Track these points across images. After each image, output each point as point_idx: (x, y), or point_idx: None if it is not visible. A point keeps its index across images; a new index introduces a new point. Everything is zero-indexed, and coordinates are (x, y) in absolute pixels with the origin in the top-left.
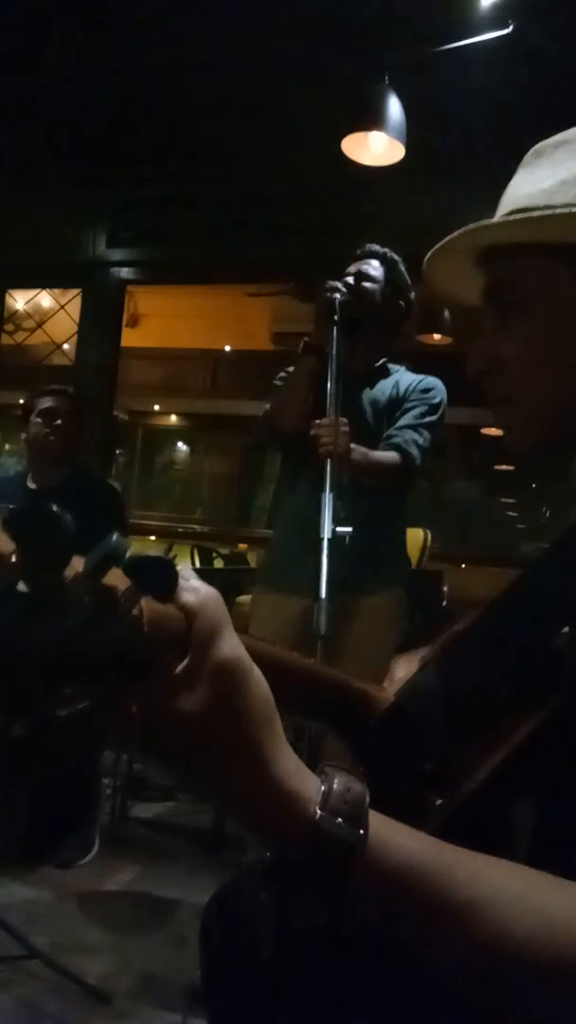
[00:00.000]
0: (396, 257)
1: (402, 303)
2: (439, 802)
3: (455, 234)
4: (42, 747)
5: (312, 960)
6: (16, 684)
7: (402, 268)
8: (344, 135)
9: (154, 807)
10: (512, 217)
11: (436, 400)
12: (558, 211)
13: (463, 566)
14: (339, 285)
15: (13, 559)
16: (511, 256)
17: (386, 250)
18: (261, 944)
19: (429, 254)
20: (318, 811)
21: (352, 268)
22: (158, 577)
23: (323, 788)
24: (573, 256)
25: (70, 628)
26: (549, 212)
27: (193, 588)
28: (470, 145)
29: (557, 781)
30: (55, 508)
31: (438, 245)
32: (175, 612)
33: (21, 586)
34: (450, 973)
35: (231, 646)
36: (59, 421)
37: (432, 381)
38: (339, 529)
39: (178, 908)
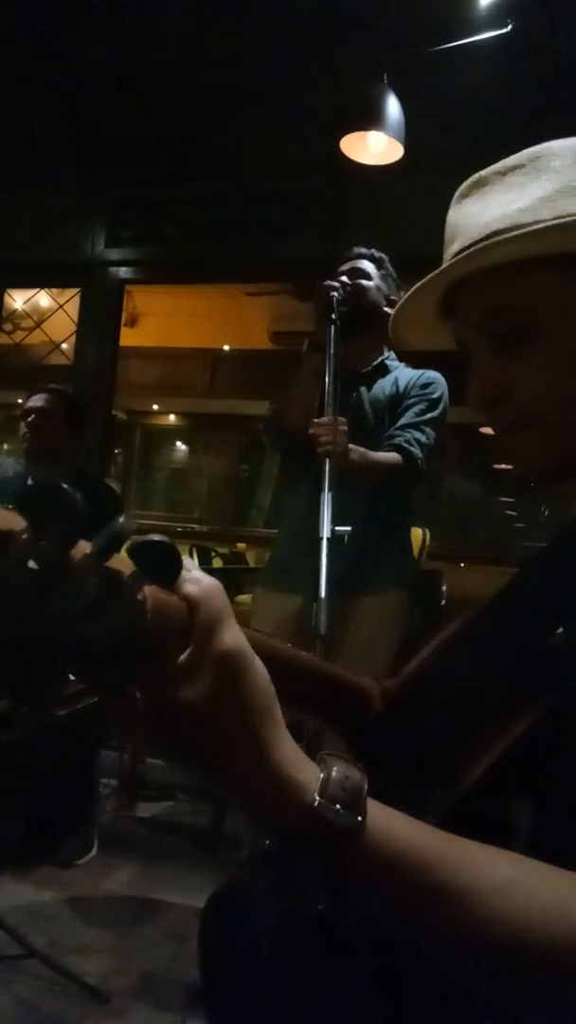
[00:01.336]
0: (383, 255)
1: (395, 298)
2: (437, 797)
3: (439, 269)
4: (43, 747)
5: (310, 958)
6: (24, 664)
7: (389, 265)
8: (343, 134)
9: (153, 807)
10: (508, 235)
11: (436, 394)
12: (565, 220)
13: (462, 565)
14: (336, 284)
15: (24, 537)
16: (506, 279)
17: (372, 250)
18: (260, 942)
19: (402, 301)
20: (317, 798)
21: (344, 268)
22: (162, 562)
23: (322, 775)
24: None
25: (78, 609)
26: (557, 222)
27: (195, 579)
28: (469, 144)
29: (553, 776)
30: (66, 486)
31: (420, 283)
32: (178, 602)
33: (31, 564)
34: (447, 959)
35: (233, 636)
36: (32, 417)
37: (431, 375)
38: (338, 528)
39: (177, 907)
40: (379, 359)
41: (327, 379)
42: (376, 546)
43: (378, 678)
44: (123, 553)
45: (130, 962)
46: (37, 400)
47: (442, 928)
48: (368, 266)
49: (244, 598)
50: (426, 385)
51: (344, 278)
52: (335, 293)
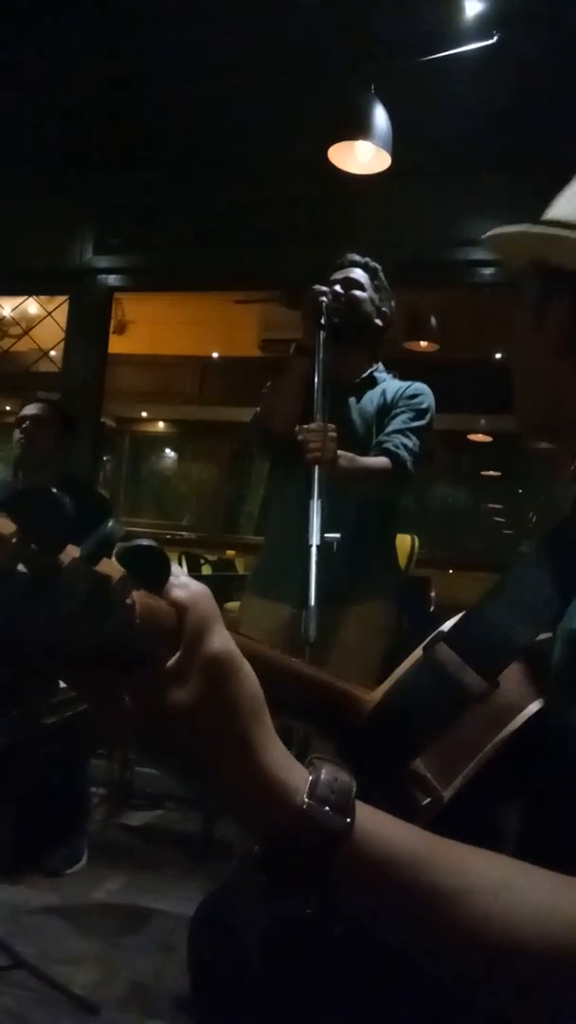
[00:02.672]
0: (377, 265)
1: (386, 310)
2: (426, 802)
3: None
4: (30, 755)
5: (299, 966)
6: (12, 669)
7: (382, 275)
8: (331, 144)
9: (142, 815)
10: (496, 232)
11: (424, 405)
12: (519, 229)
13: (450, 572)
14: (326, 289)
15: (13, 541)
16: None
17: (367, 259)
18: (249, 950)
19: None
20: (306, 800)
21: (338, 276)
22: (151, 567)
23: (310, 777)
24: (546, 275)
25: (66, 613)
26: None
27: (183, 584)
28: (455, 154)
29: (542, 779)
30: (55, 490)
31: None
32: (166, 607)
33: (20, 568)
34: (437, 961)
35: (222, 640)
36: (27, 424)
37: (419, 387)
38: (327, 536)
39: (165, 917)
40: (368, 371)
41: (316, 385)
42: (363, 554)
43: (366, 685)
44: (112, 558)
45: (119, 972)
46: (32, 409)
47: (432, 929)
48: (362, 276)
49: (233, 605)
50: (413, 396)
51: (338, 287)
52: (324, 299)
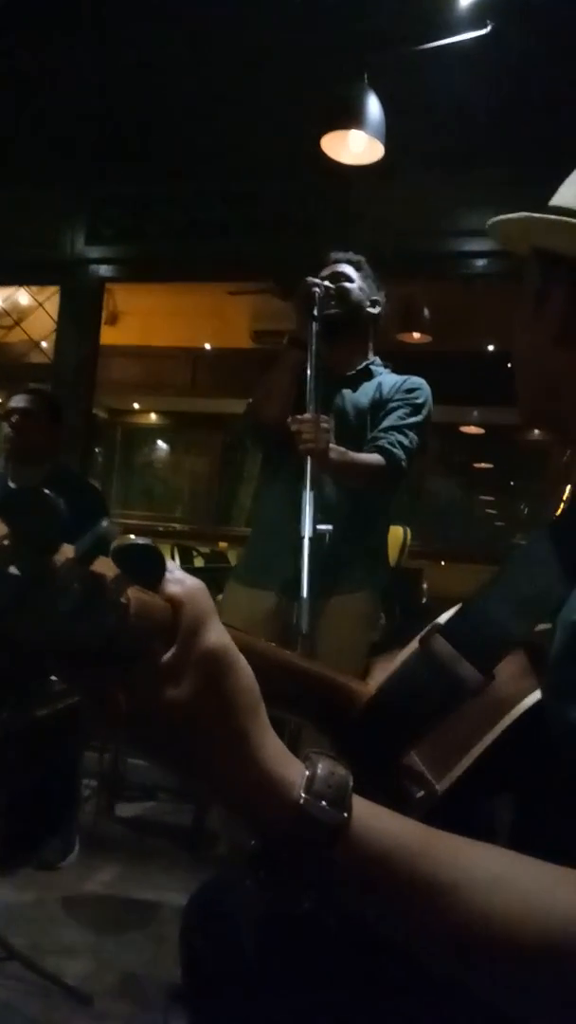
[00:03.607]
0: (360, 257)
1: (377, 298)
2: (420, 795)
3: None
4: (21, 747)
5: (292, 957)
6: (6, 668)
7: (367, 266)
8: (323, 133)
9: (134, 807)
10: (505, 217)
11: (420, 400)
12: (521, 216)
13: (442, 563)
14: (318, 281)
15: (5, 543)
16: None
17: (349, 253)
18: (241, 941)
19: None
20: (302, 795)
21: (324, 274)
22: (146, 565)
23: (307, 773)
24: (547, 262)
25: (60, 613)
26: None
27: (178, 580)
28: (449, 144)
29: (536, 773)
30: (47, 492)
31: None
32: (161, 603)
33: (13, 570)
34: (435, 954)
35: (217, 635)
36: (16, 418)
37: (416, 381)
38: (319, 527)
39: (158, 908)
40: (364, 363)
41: (308, 376)
42: (352, 546)
43: (359, 676)
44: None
45: (111, 963)
46: (19, 400)
47: (430, 923)
48: (348, 270)
49: None
50: (411, 390)
51: (327, 283)
52: (317, 290)
